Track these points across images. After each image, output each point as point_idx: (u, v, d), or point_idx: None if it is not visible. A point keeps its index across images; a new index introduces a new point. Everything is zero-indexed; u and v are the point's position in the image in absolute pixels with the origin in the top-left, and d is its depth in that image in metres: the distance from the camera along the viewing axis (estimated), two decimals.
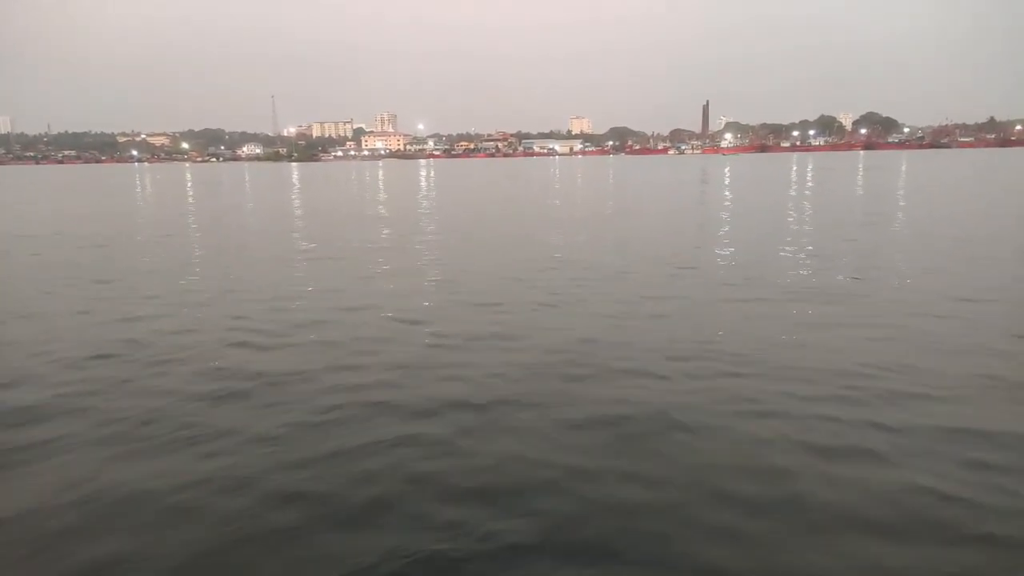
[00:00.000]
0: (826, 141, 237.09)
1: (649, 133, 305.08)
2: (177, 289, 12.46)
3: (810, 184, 44.83)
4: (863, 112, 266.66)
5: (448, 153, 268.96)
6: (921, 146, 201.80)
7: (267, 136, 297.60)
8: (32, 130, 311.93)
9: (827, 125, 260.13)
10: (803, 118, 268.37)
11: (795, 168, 76.05)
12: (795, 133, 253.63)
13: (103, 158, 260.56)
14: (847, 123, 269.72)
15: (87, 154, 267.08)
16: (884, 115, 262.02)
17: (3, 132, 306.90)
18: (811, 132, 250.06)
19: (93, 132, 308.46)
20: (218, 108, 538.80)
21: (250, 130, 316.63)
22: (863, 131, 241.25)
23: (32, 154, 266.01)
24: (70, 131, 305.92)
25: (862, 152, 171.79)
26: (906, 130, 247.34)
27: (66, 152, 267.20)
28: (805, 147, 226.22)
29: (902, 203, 29.35)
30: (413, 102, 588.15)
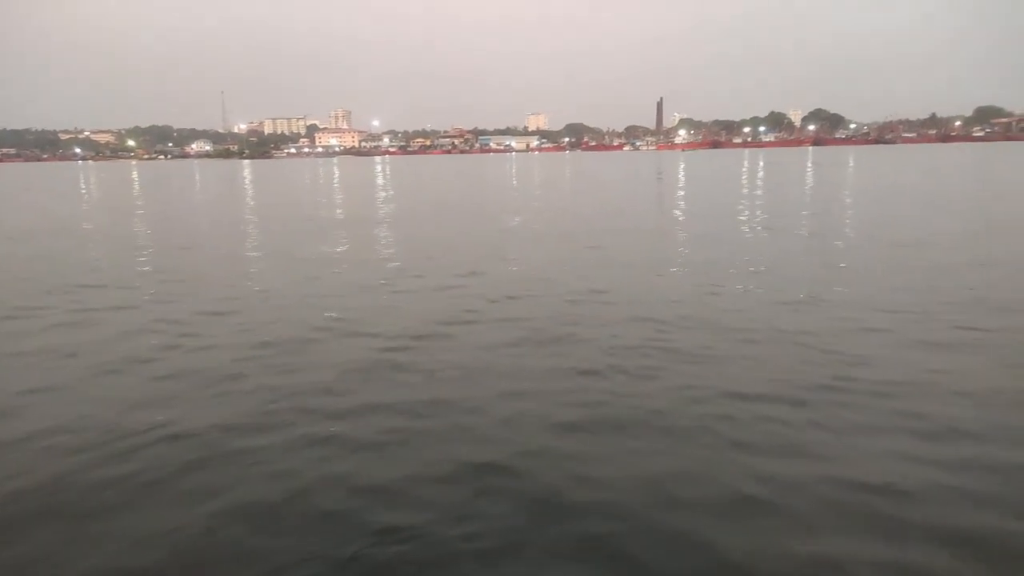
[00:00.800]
0: (776, 137, 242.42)
1: (605, 130, 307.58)
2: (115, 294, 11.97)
3: (761, 178, 45.69)
4: (812, 109, 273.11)
5: (404, 150, 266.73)
6: (867, 142, 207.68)
7: (217, 133, 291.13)
8: None
9: (777, 121, 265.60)
10: (754, 115, 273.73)
11: (747, 163, 77.43)
12: (746, 129, 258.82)
13: (44, 156, 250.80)
14: (796, 120, 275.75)
15: (28, 152, 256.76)
16: (832, 112, 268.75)
17: None
18: (761, 128, 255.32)
19: (34, 129, 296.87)
20: (166, 105, 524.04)
21: (199, 127, 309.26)
22: (811, 127, 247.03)
23: None
24: (9, 128, 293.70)
25: (811, 148, 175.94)
26: (852, 126, 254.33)
27: (5, 150, 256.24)
28: (756, 143, 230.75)
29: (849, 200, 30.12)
30: (368, 98, 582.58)
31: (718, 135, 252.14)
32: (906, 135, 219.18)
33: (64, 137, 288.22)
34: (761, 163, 76.48)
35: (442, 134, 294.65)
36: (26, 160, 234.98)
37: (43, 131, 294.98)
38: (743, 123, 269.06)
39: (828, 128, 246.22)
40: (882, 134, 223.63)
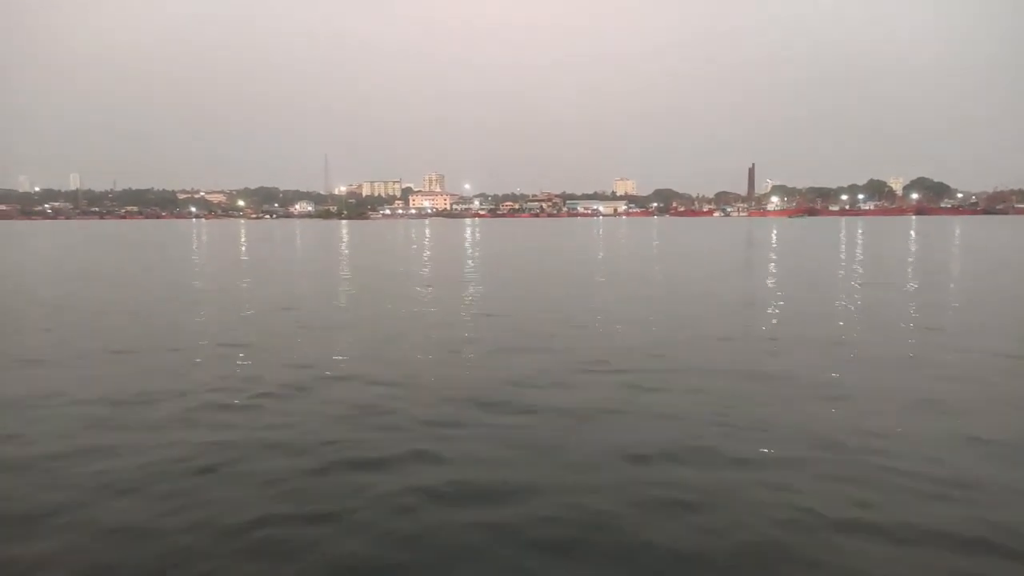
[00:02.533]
0: (876, 205, 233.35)
1: (694, 195, 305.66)
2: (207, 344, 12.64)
3: (877, 247, 43.91)
4: (914, 177, 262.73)
5: (493, 213, 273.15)
6: (975, 212, 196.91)
7: (319, 194, 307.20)
8: (100, 187, 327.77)
9: (877, 189, 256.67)
10: (851, 182, 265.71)
11: (844, 231, 74.69)
12: (844, 197, 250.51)
13: (163, 214, 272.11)
14: (897, 188, 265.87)
15: (149, 210, 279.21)
16: (935, 180, 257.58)
17: (73, 188, 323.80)
18: (860, 196, 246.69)
19: (156, 189, 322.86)
20: (273, 167, 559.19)
21: (303, 188, 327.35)
22: (914, 196, 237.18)
23: (97, 209, 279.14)
24: (134, 188, 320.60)
25: (914, 217, 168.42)
26: (959, 195, 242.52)
27: (129, 208, 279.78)
28: (855, 211, 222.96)
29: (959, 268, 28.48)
30: (461, 163, 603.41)
31: (813, 202, 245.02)
32: (1019, 205, 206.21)
33: (181, 197, 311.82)
34: (860, 230, 73.64)
35: (530, 198, 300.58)
36: (147, 217, 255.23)
37: (163, 191, 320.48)
38: (840, 191, 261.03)
39: (932, 197, 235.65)
40: (992, 204, 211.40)
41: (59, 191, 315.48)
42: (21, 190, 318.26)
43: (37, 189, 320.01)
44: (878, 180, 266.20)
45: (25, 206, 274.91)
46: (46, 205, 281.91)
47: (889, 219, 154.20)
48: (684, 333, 12.74)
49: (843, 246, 44.58)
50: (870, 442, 6.54)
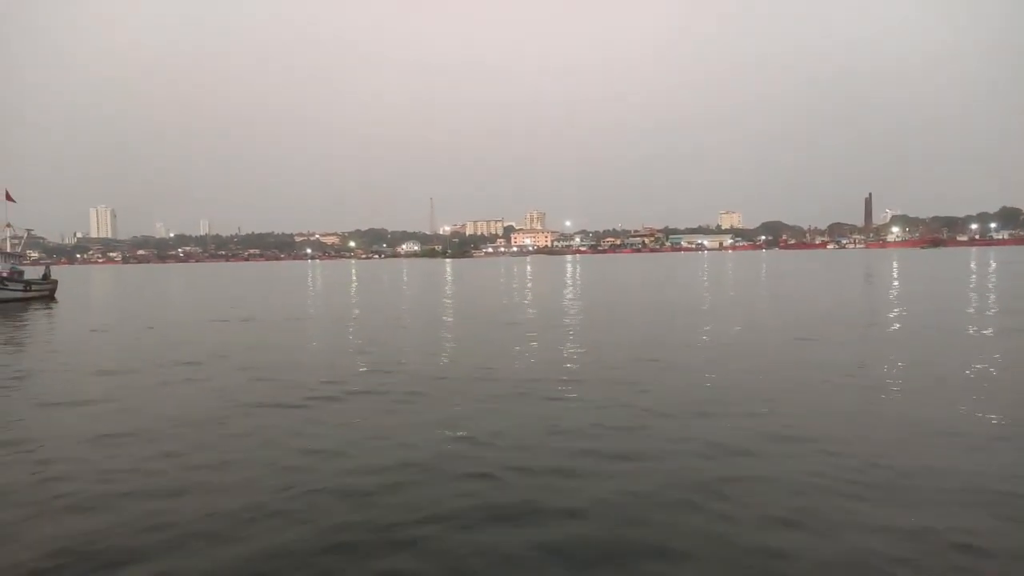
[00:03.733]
0: (1011, 234, 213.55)
1: (805, 227, 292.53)
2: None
3: None
4: None
5: (594, 249, 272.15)
6: None
7: (424, 234, 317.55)
8: (226, 231, 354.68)
9: (1011, 217, 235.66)
10: (981, 210, 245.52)
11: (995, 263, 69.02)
12: (973, 226, 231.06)
13: (282, 255, 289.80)
14: None
15: (268, 252, 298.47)
16: None
17: (202, 233, 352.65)
18: (992, 225, 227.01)
19: (276, 233, 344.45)
20: (382, 210, 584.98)
21: (409, 229, 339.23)
22: None
23: (223, 252, 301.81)
24: (256, 232, 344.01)
25: None
26: None
27: (251, 250, 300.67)
28: (986, 241, 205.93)
29: None
30: (562, 200, 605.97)
31: (939, 232, 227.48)
32: None
33: (298, 239, 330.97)
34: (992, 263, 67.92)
35: (632, 233, 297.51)
36: (267, 259, 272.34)
37: (282, 234, 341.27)
38: (968, 219, 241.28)
39: None
40: None
41: (191, 236, 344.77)
42: (158, 236, 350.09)
43: (172, 235, 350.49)
44: (1012, 207, 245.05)
45: (161, 251, 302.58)
46: (179, 249, 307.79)
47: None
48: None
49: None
50: None
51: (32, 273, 41.35)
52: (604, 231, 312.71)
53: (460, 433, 8.25)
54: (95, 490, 6.58)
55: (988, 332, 16.41)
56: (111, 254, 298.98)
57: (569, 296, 33.06)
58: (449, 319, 23.41)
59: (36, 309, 31.40)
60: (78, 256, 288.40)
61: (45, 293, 38.73)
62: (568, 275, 61.37)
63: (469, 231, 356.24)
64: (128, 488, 6.61)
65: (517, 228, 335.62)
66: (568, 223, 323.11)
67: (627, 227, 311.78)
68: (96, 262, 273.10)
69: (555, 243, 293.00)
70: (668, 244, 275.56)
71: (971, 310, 21.98)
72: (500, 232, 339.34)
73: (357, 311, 27.94)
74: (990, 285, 33.90)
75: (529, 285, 44.29)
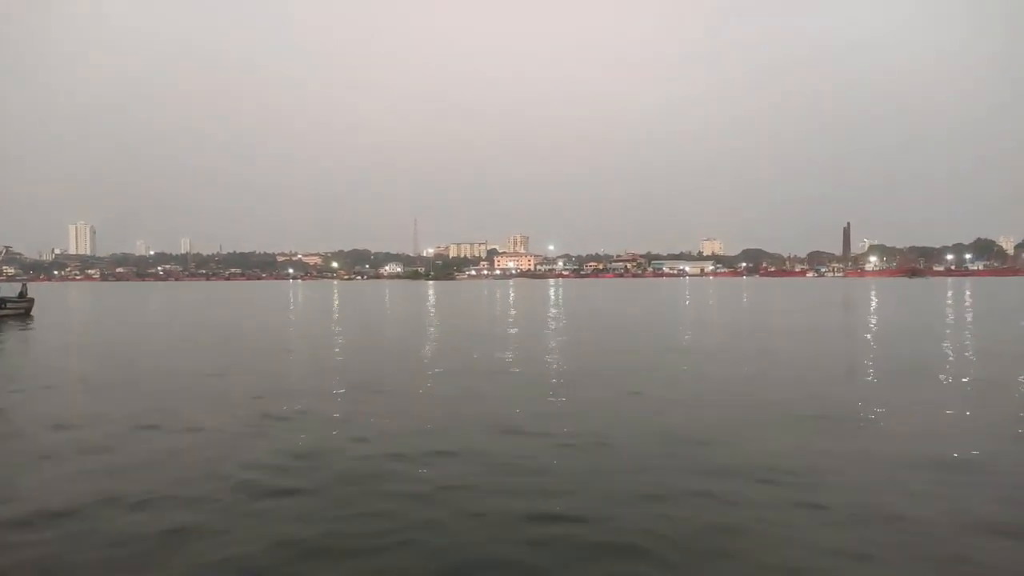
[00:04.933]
0: (985, 265, 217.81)
1: (785, 255, 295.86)
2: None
3: None
4: None
5: (577, 273, 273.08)
6: None
7: (407, 256, 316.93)
8: (207, 250, 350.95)
9: (985, 248, 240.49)
10: (955, 241, 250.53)
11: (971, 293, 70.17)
12: (949, 257, 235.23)
13: (263, 275, 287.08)
14: (1008, 247, 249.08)
15: (250, 271, 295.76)
16: None
17: (183, 251, 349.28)
18: (967, 256, 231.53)
19: (257, 252, 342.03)
20: (365, 231, 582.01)
21: (392, 250, 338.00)
22: None
23: (204, 271, 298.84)
24: (237, 251, 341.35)
25: None
26: None
27: (232, 269, 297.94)
28: (962, 271, 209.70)
29: None
30: (545, 224, 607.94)
31: (915, 262, 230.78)
32: None
33: (280, 259, 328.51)
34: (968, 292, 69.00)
35: (615, 258, 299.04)
36: (248, 279, 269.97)
37: (264, 254, 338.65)
38: (944, 250, 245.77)
39: None
40: None
41: (171, 254, 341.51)
42: (138, 253, 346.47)
43: (152, 253, 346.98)
44: (986, 239, 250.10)
45: (140, 268, 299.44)
46: (159, 268, 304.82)
47: (1003, 280, 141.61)
48: None
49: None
50: None
51: (8, 290, 40.94)
52: (587, 255, 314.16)
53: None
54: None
55: None
56: (89, 271, 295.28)
57: (552, 325, 33.17)
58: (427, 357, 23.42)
59: (11, 328, 31.01)
60: (56, 273, 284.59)
61: (20, 311, 38.27)
62: (551, 300, 61.57)
63: (452, 253, 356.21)
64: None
65: (500, 251, 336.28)
66: (551, 247, 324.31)
67: (609, 252, 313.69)
68: (74, 279, 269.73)
69: (538, 267, 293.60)
70: (650, 269, 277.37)
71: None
72: (483, 255, 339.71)
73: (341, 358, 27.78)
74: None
75: (512, 312, 44.29)
